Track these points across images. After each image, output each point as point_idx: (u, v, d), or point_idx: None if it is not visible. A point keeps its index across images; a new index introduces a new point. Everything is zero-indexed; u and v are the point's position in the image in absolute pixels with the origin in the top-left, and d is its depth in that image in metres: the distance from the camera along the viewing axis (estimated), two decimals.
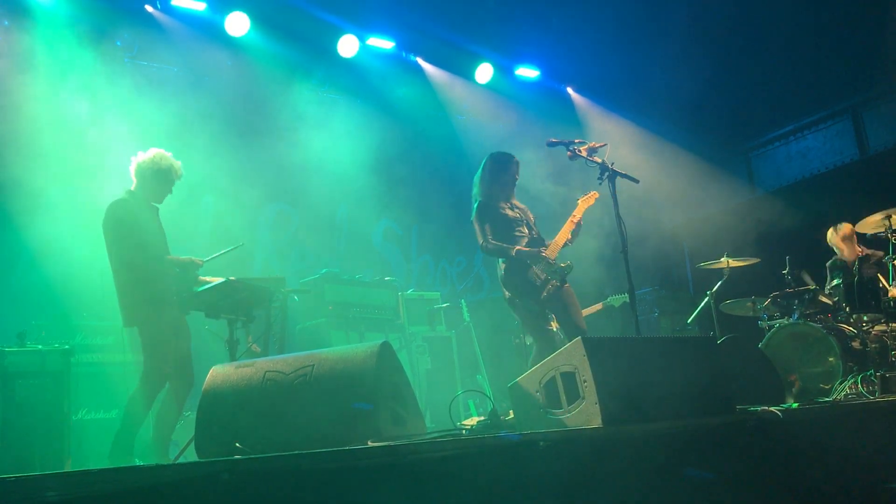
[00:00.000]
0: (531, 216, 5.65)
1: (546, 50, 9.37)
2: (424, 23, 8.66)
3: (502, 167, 5.54)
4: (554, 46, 9.21)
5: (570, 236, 5.35)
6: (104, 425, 5.62)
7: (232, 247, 5.33)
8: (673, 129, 9.52)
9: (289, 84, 8.38)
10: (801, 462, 3.59)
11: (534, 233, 5.49)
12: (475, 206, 5.52)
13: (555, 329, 5.45)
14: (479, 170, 5.62)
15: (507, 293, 5.37)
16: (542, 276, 5.22)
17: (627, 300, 4.84)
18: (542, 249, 5.29)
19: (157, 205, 5.20)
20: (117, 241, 4.89)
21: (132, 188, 5.10)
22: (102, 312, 5.86)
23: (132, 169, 5.10)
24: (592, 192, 5.53)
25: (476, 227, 5.46)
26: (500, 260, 5.39)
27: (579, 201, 5.50)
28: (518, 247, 5.28)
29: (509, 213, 5.47)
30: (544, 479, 2.83)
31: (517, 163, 5.59)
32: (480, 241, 5.41)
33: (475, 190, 5.60)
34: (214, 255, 5.23)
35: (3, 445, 4.81)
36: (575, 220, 5.36)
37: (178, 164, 5.18)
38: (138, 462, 4.62)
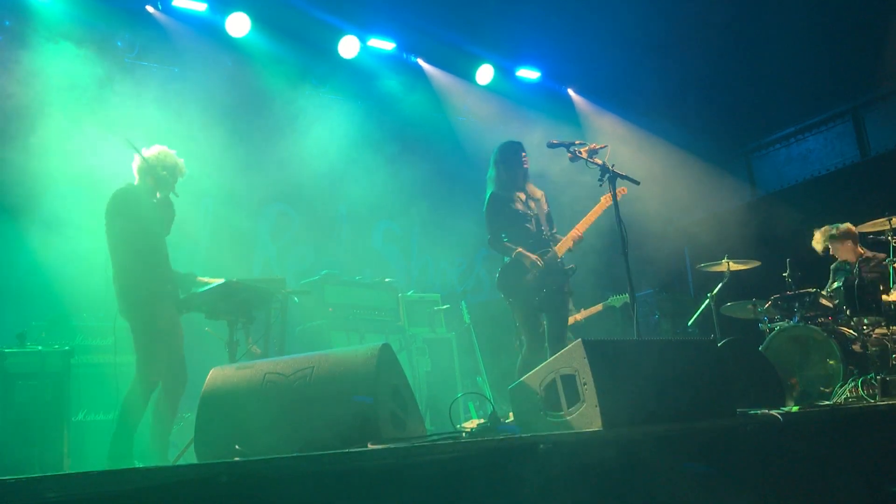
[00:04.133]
0: (545, 207, 5.56)
1: (547, 51, 9.37)
2: (425, 24, 8.66)
3: (512, 156, 5.47)
4: (555, 48, 9.21)
5: (580, 235, 5.27)
6: (104, 427, 5.60)
7: (221, 280, 5.15)
8: (673, 131, 9.52)
9: (289, 85, 8.38)
10: (802, 465, 3.58)
11: (543, 229, 5.41)
12: (487, 195, 5.49)
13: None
14: (492, 158, 5.56)
15: (501, 293, 5.42)
16: (539, 279, 5.20)
17: (628, 301, 4.83)
18: (546, 251, 5.26)
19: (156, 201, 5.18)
20: (120, 227, 4.83)
21: (135, 184, 5.06)
22: (102, 313, 5.86)
23: (135, 166, 5.05)
24: (620, 189, 5.08)
25: (486, 219, 5.46)
26: (505, 258, 5.40)
27: (602, 199, 5.35)
28: (520, 249, 5.25)
29: (520, 206, 5.40)
30: (544, 481, 2.82)
31: (519, 150, 5.52)
32: (488, 236, 5.44)
33: (489, 176, 5.56)
34: (203, 290, 5.08)
35: (2, 446, 4.81)
36: (589, 221, 5.31)
37: (181, 161, 5.13)
38: (138, 464, 4.61)
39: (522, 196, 5.46)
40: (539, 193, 5.57)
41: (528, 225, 5.38)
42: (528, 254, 5.23)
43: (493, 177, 5.51)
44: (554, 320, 5.33)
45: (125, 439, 4.62)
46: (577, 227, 5.33)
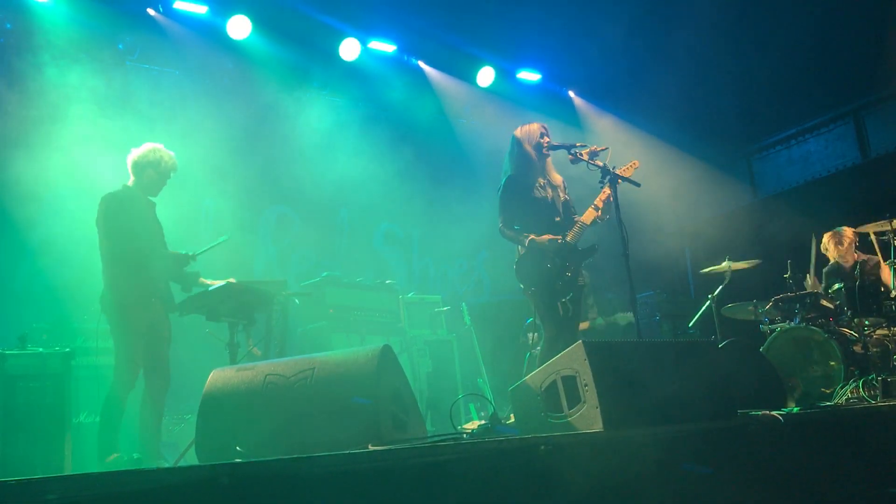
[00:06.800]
0: (564, 195, 5.23)
1: (547, 53, 9.39)
2: (426, 26, 8.68)
3: (531, 138, 5.17)
4: (555, 50, 9.23)
5: (598, 213, 4.95)
6: None
7: (220, 239, 5.32)
8: (675, 133, 9.52)
9: (290, 87, 8.39)
10: (803, 466, 3.58)
11: (560, 219, 5.11)
12: (503, 180, 5.18)
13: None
14: (511, 141, 5.27)
15: (520, 284, 5.08)
16: (557, 265, 4.92)
17: (633, 320, 4.74)
18: (560, 237, 4.95)
19: (154, 199, 5.25)
20: (107, 235, 4.95)
21: (129, 183, 5.16)
22: (103, 315, 5.86)
23: (129, 164, 5.17)
24: (633, 161, 4.95)
25: (500, 204, 5.14)
26: (518, 247, 5.09)
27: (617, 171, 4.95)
28: (532, 235, 4.94)
29: (539, 193, 5.11)
30: (545, 483, 2.82)
31: (541, 131, 5.18)
32: (499, 223, 5.12)
33: (506, 159, 5.27)
34: (204, 249, 5.23)
35: (3, 448, 4.81)
36: (602, 199, 4.95)
37: (170, 154, 5.22)
38: (125, 455, 4.65)
39: (542, 181, 5.16)
40: (559, 179, 5.27)
41: (545, 213, 5.09)
42: (541, 237, 4.94)
43: (510, 160, 5.22)
44: (572, 308, 5.01)
45: (109, 436, 4.71)
46: (595, 204, 4.98)
